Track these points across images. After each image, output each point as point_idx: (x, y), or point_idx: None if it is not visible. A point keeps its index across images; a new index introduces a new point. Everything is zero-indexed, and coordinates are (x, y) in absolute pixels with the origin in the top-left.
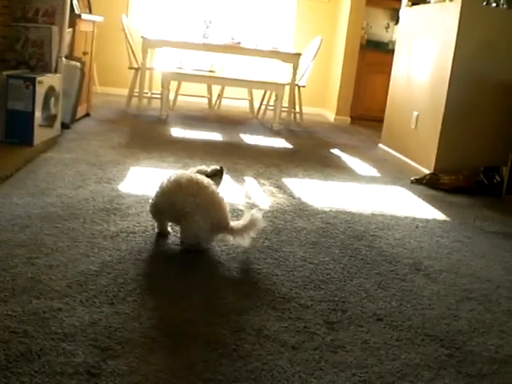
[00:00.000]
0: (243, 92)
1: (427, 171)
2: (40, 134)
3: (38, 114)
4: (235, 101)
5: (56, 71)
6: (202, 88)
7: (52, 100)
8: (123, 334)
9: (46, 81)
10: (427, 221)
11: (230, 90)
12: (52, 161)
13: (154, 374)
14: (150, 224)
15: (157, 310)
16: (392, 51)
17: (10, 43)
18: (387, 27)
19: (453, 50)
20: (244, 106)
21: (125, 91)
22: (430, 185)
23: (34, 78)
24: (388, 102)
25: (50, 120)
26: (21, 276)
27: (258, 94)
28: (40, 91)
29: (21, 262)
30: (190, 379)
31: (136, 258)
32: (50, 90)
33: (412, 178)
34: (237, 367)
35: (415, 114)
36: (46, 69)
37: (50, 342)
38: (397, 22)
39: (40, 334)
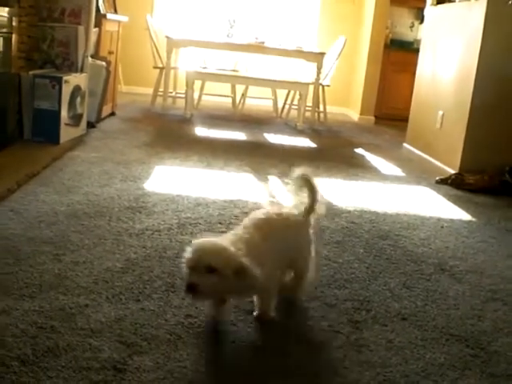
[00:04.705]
0: (267, 91)
1: (452, 171)
2: (66, 133)
3: (64, 112)
4: (259, 100)
5: (82, 70)
6: (225, 87)
7: (78, 99)
8: (149, 331)
9: (72, 80)
10: (452, 221)
11: (253, 90)
12: (78, 159)
13: (178, 370)
14: (174, 222)
15: (182, 307)
16: (417, 50)
17: (36, 43)
18: (412, 26)
19: (478, 49)
20: (268, 105)
21: (150, 90)
22: (455, 185)
23: (61, 78)
24: (413, 101)
25: (75, 119)
26: (48, 272)
27: (281, 93)
28: (66, 90)
29: (48, 259)
30: (215, 375)
31: (161, 255)
32: (76, 89)
33: (437, 178)
34: (262, 363)
35: (440, 113)
36: (72, 68)
37: (76, 338)
38: (421, 21)
39: (67, 330)
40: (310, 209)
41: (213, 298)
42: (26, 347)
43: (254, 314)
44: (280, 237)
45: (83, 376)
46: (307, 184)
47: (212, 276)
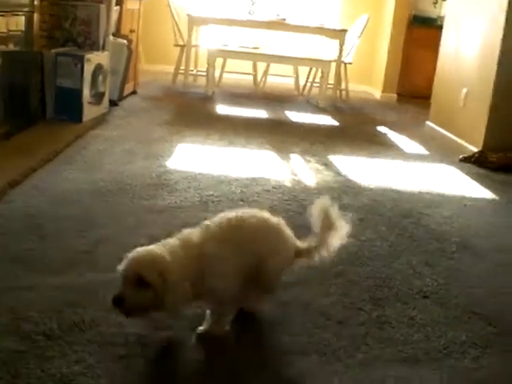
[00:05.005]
0: (289, 69)
1: (476, 149)
2: (88, 111)
3: (86, 91)
4: (280, 78)
5: (104, 49)
6: (247, 65)
7: (100, 77)
8: None
9: (94, 58)
10: (475, 199)
11: (275, 67)
12: (100, 137)
13: (202, 343)
14: (196, 199)
15: None
16: (440, 27)
17: (58, 21)
18: (435, 3)
19: (503, 26)
20: (289, 83)
21: (171, 68)
22: (479, 163)
23: (83, 56)
24: (436, 78)
25: (98, 97)
26: (71, 249)
27: (303, 71)
28: (88, 69)
29: (71, 236)
30: (238, 350)
31: None
32: (98, 68)
33: (460, 156)
34: (284, 340)
35: (464, 90)
36: (93, 46)
37: (101, 313)
38: None
39: (92, 305)
40: (316, 248)
41: (144, 315)
42: (51, 322)
43: (200, 328)
44: (243, 239)
45: (108, 350)
46: (325, 216)
47: (144, 290)
